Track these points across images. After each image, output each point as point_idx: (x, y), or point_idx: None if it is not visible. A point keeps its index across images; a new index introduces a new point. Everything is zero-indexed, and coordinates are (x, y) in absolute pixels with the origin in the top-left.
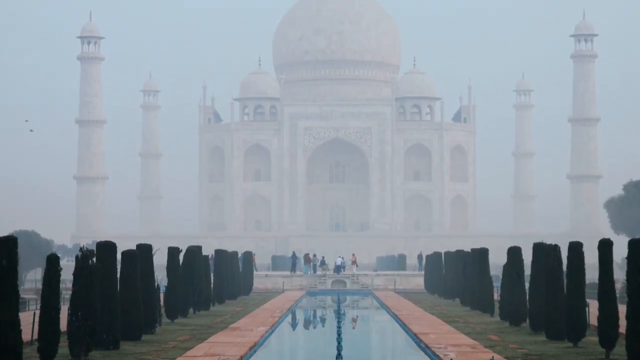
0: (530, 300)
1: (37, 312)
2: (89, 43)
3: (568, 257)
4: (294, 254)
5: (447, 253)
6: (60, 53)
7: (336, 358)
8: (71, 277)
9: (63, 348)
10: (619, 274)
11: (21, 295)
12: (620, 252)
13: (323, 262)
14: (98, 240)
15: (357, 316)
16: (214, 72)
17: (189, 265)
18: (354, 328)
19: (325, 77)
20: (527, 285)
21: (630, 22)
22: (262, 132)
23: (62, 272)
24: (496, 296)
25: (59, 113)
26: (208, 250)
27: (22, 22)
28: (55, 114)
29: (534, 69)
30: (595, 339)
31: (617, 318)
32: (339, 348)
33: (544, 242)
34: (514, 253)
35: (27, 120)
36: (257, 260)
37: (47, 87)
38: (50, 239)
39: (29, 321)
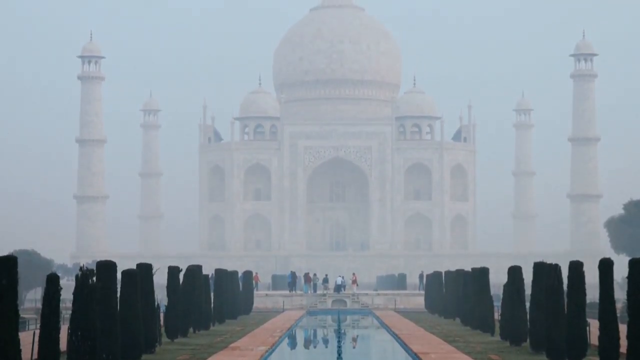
0: (531, 319)
1: (37, 332)
2: (89, 62)
3: (568, 277)
4: (293, 273)
5: (447, 272)
6: (60, 72)
7: None
8: (71, 297)
9: None
10: (620, 294)
11: (21, 315)
12: (620, 271)
13: (326, 280)
14: (98, 260)
15: (357, 336)
16: (214, 92)
17: (189, 285)
18: (354, 347)
19: (325, 96)
20: (527, 304)
21: (630, 42)
22: (262, 151)
23: (62, 292)
24: (497, 316)
25: (59, 132)
26: (208, 270)
27: (23, 42)
28: (55, 133)
29: (534, 89)
30: (596, 358)
31: (617, 338)
32: None
33: (545, 261)
34: (515, 272)
35: None
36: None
37: (47, 106)
38: (50, 259)
39: (28, 341)
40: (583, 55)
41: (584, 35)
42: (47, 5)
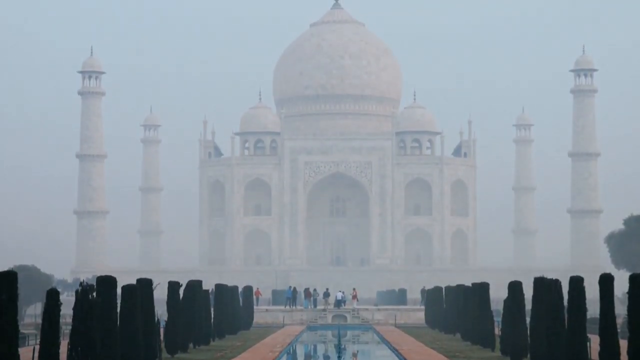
0: (532, 335)
1: (37, 347)
2: (89, 78)
3: (569, 292)
4: (294, 288)
5: (447, 287)
6: (60, 88)
7: None
8: (71, 312)
9: None
10: (620, 309)
11: (21, 330)
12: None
13: (327, 294)
14: (98, 275)
15: (357, 351)
16: (214, 107)
17: (189, 300)
18: None
19: (325, 111)
20: (528, 320)
21: (630, 56)
22: (262, 166)
23: (62, 307)
24: (497, 331)
25: (60, 147)
26: (208, 285)
27: (23, 57)
28: (55, 148)
29: (534, 104)
30: None
31: (618, 353)
32: None
33: (545, 276)
34: (515, 288)
35: None
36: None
37: (47, 121)
38: (50, 274)
39: (28, 356)
40: (583, 71)
41: (583, 51)
42: (48, 21)
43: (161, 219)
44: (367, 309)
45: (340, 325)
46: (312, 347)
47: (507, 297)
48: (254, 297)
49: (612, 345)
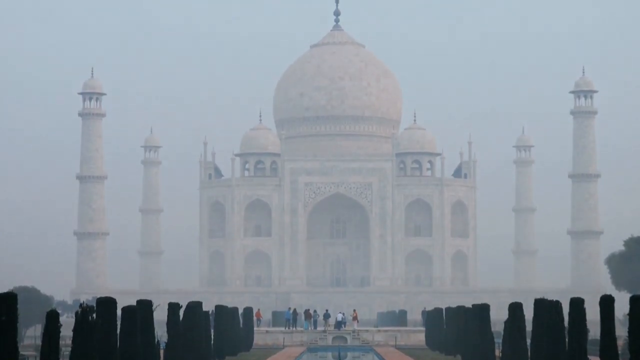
0: (532, 356)
1: None
2: (90, 99)
3: (569, 313)
4: (294, 310)
5: (448, 309)
6: (61, 109)
7: None
8: (71, 334)
9: None
10: (621, 331)
11: (20, 352)
12: (621, 308)
13: (327, 315)
14: (98, 296)
15: None
16: (214, 128)
17: (190, 321)
18: None
19: (325, 132)
20: (528, 341)
21: (630, 78)
22: (262, 187)
23: (61, 329)
24: (498, 352)
25: (60, 168)
26: (208, 306)
27: (24, 78)
28: (55, 169)
29: (534, 125)
30: None
31: None
32: None
33: (545, 297)
34: (515, 309)
35: None
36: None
37: (48, 142)
38: (50, 295)
39: None
40: (583, 92)
41: (583, 72)
42: (49, 42)
43: (161, 240)
44: (367, 330)
45: (340, 347)
46: None
47: (508, 319)
48: (255, 318)
49: None
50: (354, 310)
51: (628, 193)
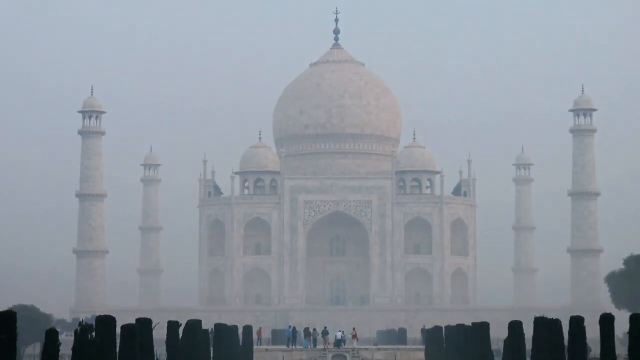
0: None
1: None
2: (90, 117)
3: (570, 332)
4: (294, 328)
5: (448, 327)
6: (61, 127)
7: None
8: (70, 352)
9: None
10: (621, 349)
11: None
12: (622, 326)
13: (326, 333)
14: (98, 315)
15: None
16: (214, 146)
17: (189, 340)
18: None
19: (325, 151)
20: (528, 359)
21: (629, 96)
22: (262, 206)
23: (61, 347)
24: None
25: (60, 187)
26: (208, 325)
27: (24, 97)
28: (55, 187)
29: (533, 144)
30: None
31: None
32: None
33: (546, 316)
34: (515, 327)
35: None
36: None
37: (47, 161)
38: (49, 314)
39: None
40: (582, 111)
41: (583, 91)
42: (48, 60)
43: (161, 258)
44: (367, 349)
45: None
46: None
47: (508, 337)
48: (256, 337)
49: None
50: (354, 329)
51: (628, 211)
